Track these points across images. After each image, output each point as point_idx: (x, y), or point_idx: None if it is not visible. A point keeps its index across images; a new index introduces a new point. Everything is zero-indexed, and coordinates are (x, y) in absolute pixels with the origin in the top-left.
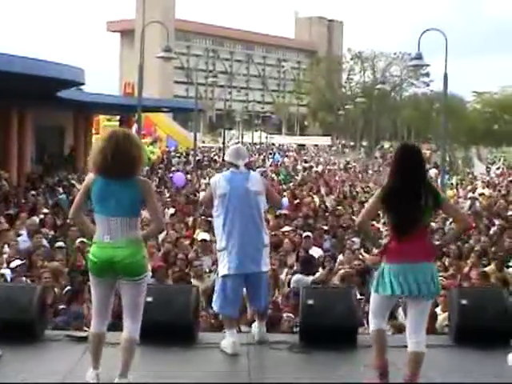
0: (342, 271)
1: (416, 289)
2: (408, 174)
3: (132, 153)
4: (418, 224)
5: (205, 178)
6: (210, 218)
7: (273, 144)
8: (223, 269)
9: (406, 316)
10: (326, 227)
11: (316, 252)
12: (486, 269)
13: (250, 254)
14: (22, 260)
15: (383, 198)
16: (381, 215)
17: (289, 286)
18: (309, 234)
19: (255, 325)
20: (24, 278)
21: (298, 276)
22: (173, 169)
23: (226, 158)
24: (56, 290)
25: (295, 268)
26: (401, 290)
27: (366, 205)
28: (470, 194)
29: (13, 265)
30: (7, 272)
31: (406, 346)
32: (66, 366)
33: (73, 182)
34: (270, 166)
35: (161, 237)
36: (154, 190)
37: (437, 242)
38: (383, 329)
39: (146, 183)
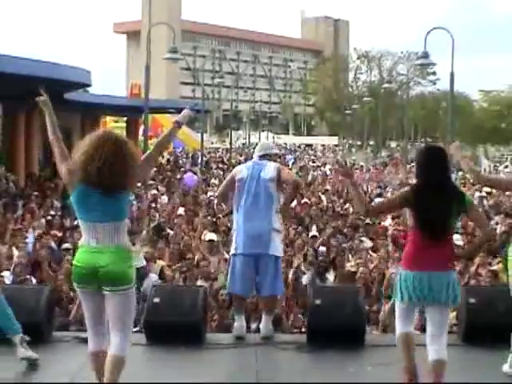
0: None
1: (431, 298)
2: (434, 176)
3: (129, 166)
4: (447, 228)
5: (216, 178)
6: (214, 219)
7: (284, 143)
8: (232, 248)
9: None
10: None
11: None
12: (495, 267)
13: (258, 235)
14: (29, 262)
15: (411, 198)
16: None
17: (294, 286)
18: (316, 233)
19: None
20: (33, 280)
21: (310, 275)
22: (181, 169)
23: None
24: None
25: (302, 267)
26: (416, 298)
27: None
28: (477, 194)
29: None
30: (6, 274)
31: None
32: (74, 367)
33: None
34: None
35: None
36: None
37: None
38: (409, 331)
39: None
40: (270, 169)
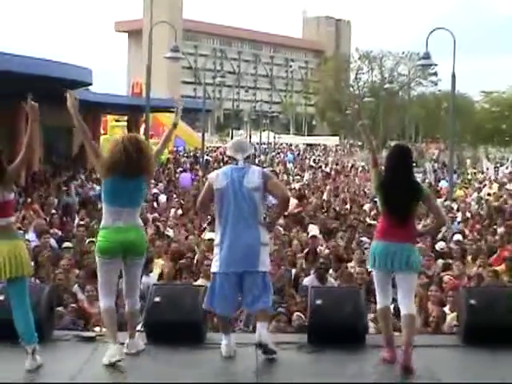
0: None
1: (395, 264)
2: (397, 170)
3: (149, 154)
4: (408, 213)
5: None
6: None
7: (286, 144)
8: (214, 265)
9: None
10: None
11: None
12: (497, 268)
13: (242, 252)
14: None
15: (381, 188)
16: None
17: (295, 286)
18: (315, 234)
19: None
20: (32, 278)
21: (311, 278)
22: (179, 169)
23: (227, 152)
24: (68, 288)
25: (303, 266)
26: (384, 263)
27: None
28: (475, 194)
29: None
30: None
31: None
32: (74, 365)
33: (82, 176)
34: (278, 164)
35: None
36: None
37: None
38: (387, 305)
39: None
40: (253, 176)
